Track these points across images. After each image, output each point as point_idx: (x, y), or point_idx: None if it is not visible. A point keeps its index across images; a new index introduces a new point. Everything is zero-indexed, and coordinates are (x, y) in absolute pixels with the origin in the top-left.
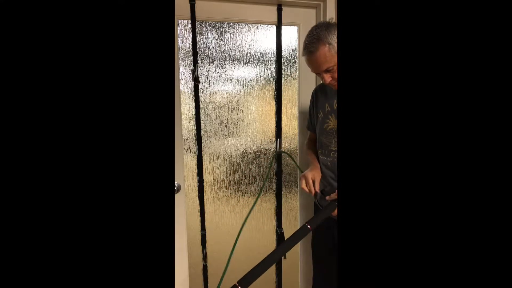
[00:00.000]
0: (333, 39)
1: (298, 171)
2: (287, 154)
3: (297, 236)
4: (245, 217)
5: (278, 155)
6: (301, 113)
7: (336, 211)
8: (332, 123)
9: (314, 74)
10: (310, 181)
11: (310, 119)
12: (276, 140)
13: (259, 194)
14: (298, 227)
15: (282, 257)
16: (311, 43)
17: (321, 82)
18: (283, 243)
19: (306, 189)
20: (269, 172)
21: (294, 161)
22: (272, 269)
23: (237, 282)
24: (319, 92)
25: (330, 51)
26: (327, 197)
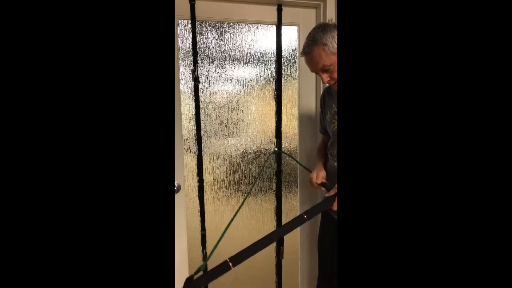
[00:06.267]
0: (328, 39)
1: (298, 171)
2: (285, 153)
3: (292, 224)
4: (237, 217)
5: (278, 155)
6: (301, 113)
7: (335, 205)
8: None
9: (314, 74)
10: (314, 177)
11: (320, 121)
12: (276, 140)
13: (248, 193)
14: (298, 228)
15: (281, 258)
16: (307, 45)
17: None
18: (277, 229)
19: (314, 185)
20: (261, 172)
21: (293, 158)
22: (272, 269)
23: (228, 258)
24: (326, 94)
25: (325, 51)
26: (325, 194)
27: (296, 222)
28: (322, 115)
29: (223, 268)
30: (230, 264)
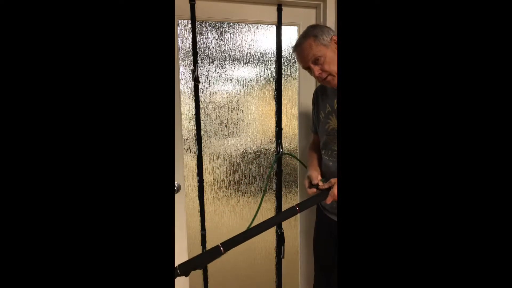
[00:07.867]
0: (319, 32)
1: (298, 171)
2: (290, 154)
3: (285, 215)
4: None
5: (279, 157)
6: (301, 113)
7: (328, 199)
8: (333, 123)
9: None
10: (315, 178)
11: (312, 121)
12: (277, 141)
13: (262, 198)
14: (298, 228)
15: (282, 257)
16: (298, 39)
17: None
18: (269, 219)
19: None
20: (271, 172)
21: (297, 159)
22: (272, 269)
23: (220, 243)
24: (319, 93)
25: (315, 41)
26: (320, 186)
27: (288, 213)
28: (314, 115)
29: (214, 252)
30: (222, 249)
